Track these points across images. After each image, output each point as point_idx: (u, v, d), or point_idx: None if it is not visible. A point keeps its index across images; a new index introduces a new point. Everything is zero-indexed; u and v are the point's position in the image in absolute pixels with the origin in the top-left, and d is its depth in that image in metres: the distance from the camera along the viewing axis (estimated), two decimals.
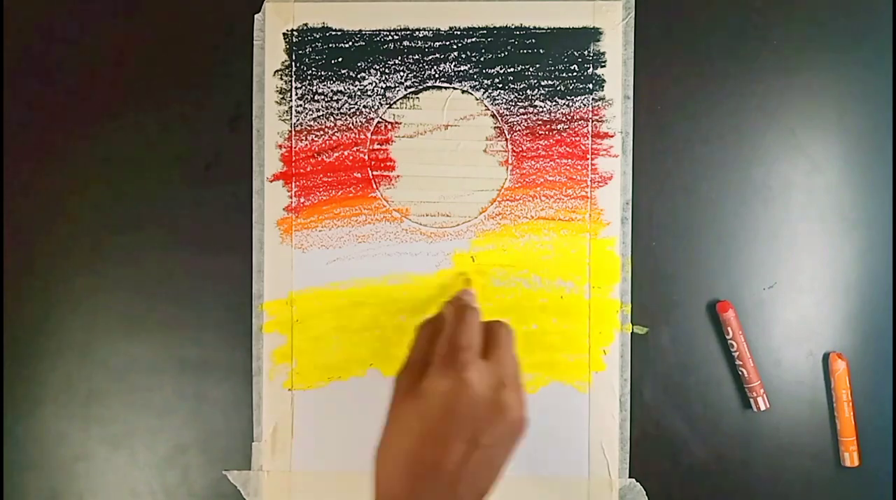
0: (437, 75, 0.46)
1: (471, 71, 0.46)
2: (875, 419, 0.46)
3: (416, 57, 0.46)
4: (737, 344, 0.45)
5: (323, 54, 0.47)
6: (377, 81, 0.47)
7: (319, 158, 0.47)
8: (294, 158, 0.47)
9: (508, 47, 0.46)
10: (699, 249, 0.46)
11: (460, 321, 0.39)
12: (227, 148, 0.47)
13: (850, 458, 0.45)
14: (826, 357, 0.46)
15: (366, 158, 0.47)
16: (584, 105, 0.46)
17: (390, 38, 0.46)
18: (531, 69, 0.46)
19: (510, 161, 0.46)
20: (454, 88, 0.46)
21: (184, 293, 0.47)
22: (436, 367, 0.38)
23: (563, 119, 0.46)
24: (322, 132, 0.47)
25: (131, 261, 0.47)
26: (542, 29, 0.46)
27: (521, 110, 0.46)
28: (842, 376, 0.45)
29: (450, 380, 0.37)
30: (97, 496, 0.48)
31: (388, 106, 0.47)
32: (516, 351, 0.40)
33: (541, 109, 0.46)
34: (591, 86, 0.46)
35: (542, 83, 0.46)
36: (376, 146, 0.47)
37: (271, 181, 0.47)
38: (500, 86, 0.46)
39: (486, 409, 0.37)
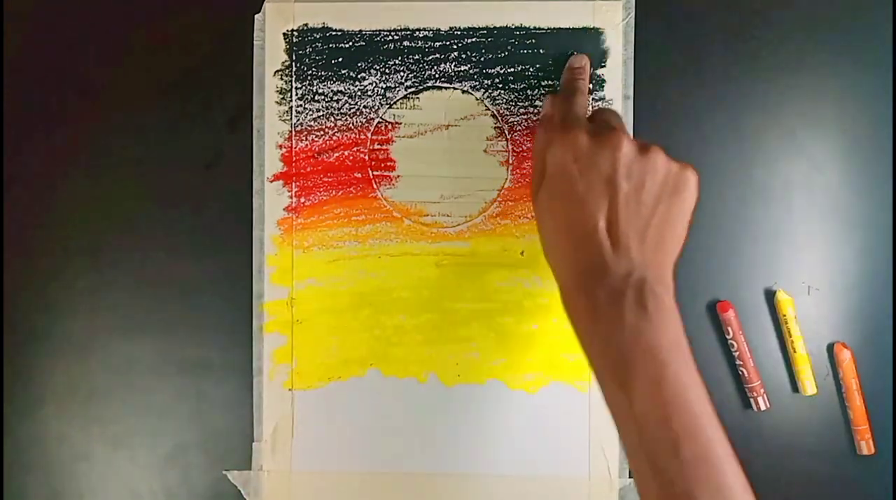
0: (437, 75, 0.46)
1: (471, 71, 0.46)
2: (880, 412, 0.46)
3: (417, 57, 0.46)
4: (737, 344, 0.45)
5: (323, 54, 0.47)
6: (377, 82, 0.47)
7: (319, 158, 0.47)
8: (294, 159, 0.47)
9: (508, 47, 0.46)
10: (699, 249, 0.46)
11: (562, 99, 0.42)
12: (227, 148, 0.47)
13: (867, 446, 0.45)
14: (830, 351, 0.46)
15: (366, 158, 0.47)
16: None
17: (390, 38, 0.46)
18: (531, 69, 0.46)
19: (510, 161, 0.46)
20: (454, 88, 0.46)
21: (184, 293, 0.47)
22: (549, 155, 0.39)
23: None
24: (322, 132, 0.47)
25: (131, 261, 0.47)
26: (542, 29, 0.46)
27: (522, 110, 0.46)
28: (849, 366, 0.45)
29: (559, 147, 0.38)
30: (97, 496, 0.48)
31: (388, 106, 0.47)
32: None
33: (541, 109, 0.46)
34: (591, 86, 0.46)
35: (542, 83, 0.46)
36: (376, 146, 0.47)
37: (271, 181, 0.47)
38: (501, 86, 0.46)
39: (604, 158, 0.37)
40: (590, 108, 0.45)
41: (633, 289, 0.35)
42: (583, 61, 0.45)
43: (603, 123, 0.40)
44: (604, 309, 0.36)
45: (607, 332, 0.36)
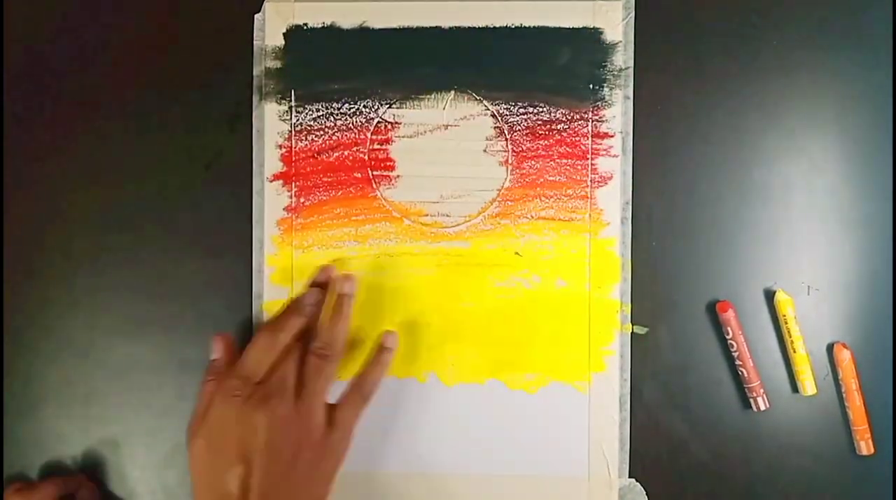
0: (437, 75, 0.46)
1: (471, 71, 0.46)
2: (879, 412, 0.46)
3: (417, 57, 0.46)
4: (737, 344, 0.45)
5: (323, 54, 0.47)
6: (377, 81, 0.47)
7: (319, 158, 0.47)
8: (294, 158, 0.47)
9: (508, 47, 0.46)
10: (699, 249, 0.46)
11: (252, 343, 0.42)
12: (227, 148, 0.47)
13: (867, 446, 0.45)
14: (830, 351, 0.46)
15: (366, 158, 0.47)
16: (584, 105, 0.46)
17: (390, 37, 0.46)
18: (531, 69, 0.46)
19: (510, 161, 0.46)
20: (454, 88, 0.46)
21: (184, 293, 0.47)
22: (213, 403, 0.40)
23: (563, 119, 0.46)
24: (322, 132, 0.47)
25: (131, 261, 0.47)
26: (542, 29, 0.46)
27: (521, 110, 0.46)
28: (848, 366, 0.45)
29: (220, 408, 0.39)
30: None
31: (388, 106, 0.47)
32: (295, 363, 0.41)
33: (541, 109, 0.46)
34: (591, 86, 0.46)
35: (542, 83, 0.46)
36: (376, 146, 0.47)
37: (271, 181, 0.47)
38: (500, 86, 0.46)
39: (251, 428, 0.38)
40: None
41: None
42: (308, 299, 0.43)
43: (273, 385, 0.40)
44: None
45: None
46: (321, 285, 0.45)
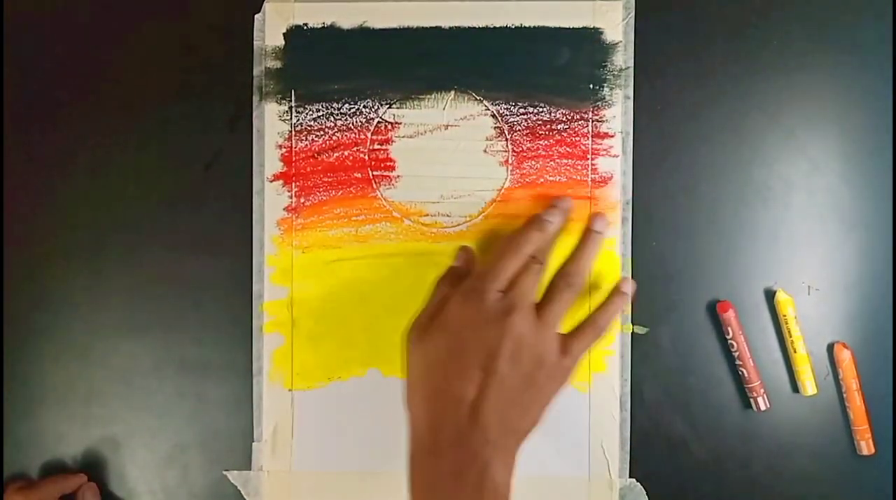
0: (437, 75, 0.46)
1: (471, 71, 0.46)
2: (879, 412, 0.46)
3: (417, 57, 0.46)
4: (737, 344, 0.45)
5: (323, 54, 0.47)
6: (377, 81, 0.47)
7: (319, 158, 0.47)
8: (294, 158, 0.47)
9: (508, 47, 0.46)
10: (699, 249, 0.46)
11: (496, 252, 0.41)
12: (227, 148, 0.47)
13: (867, 446, 0.45)
14: (830, 351, 0.46)
15: (366, 158, 0.47)
16: (585, 105, 0.46)
17: (390, 37, 0.46)
18: (531, 69, 0.46)
19: (510, 161, 0.46)
20: (454, 88, 0.46)
21: (184, 293, 0.47)
22: (450, 303, 0.39)
23: (563, 119, 0.46)
24: (322, 132, 0.47)
25: (131, 261, 0.47)
26: (542, 29, 0.46)
27: (521, 110, 0.46)
28: (849, 366, 0.45)
29: (459, 310, 0.38)
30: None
31: (388, 106, 0.47)
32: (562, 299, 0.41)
33: (541, 109, 0.46)
34: (591, 86, 0.46)
35: (542, 83, 0.46)
36: (376, 146, 0.47)
37: (271, 181, 0.47)
38: (500, 86, 0.46)
39: (495, 334, 0.37)
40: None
41: (477, 470, 0.36)
42: (550, 216, 0.43)
43: (517, 296, 0.39)
44: (445, 479, 0.37)
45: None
46: (560, 210, 0.44)
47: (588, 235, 0.44)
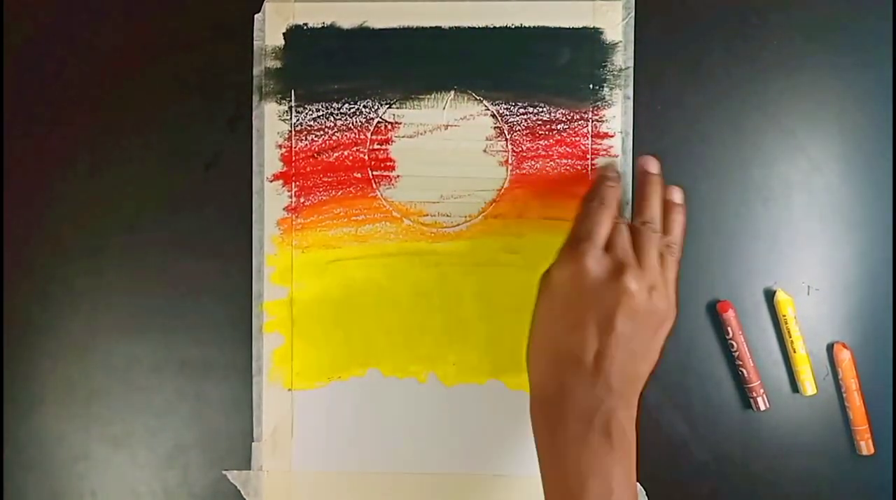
0: (437, 75, 0.46)
1: (471, 71, 0.46)
2: (879, 412, 0.46)
3: (416, 57, 0.46)
4: (737, 344, 0.45)
5: (323, 54, 0.47)
6: (377, 81, 0.47)
7: (319, 158, 0.47)
8: (294, 158, 0.47)
9: (508, 47, 0.46)
10: (699, 249, 0.46)
11: (584, 213, 0.41)
12: (227, 148, 0.47)
13: (867, 446, 0.45)
14: (830, 351, 0.46)
15: (366, 158, 0.47)
16: (584, 105, 0.46)
17: (390, 37, 0.46)
18: (531, 69, 0.46)
19: (510, 161, 0.46)
20: (454, 88, 0.46)
21: (184, 293, 0.47)
22: (559, 256, 0.40)
23: (563, 119, 0.46)
24: (322, 132, 0.47)
25: (131, 261, 0.47)
26: (542, 29, 0.46)
27: (521, 110, 0.46)
28: (848, 366, 0.45)
29: (566, 269, 0.39)
30: (97, 496, 0.48)
31: (388, 106, 0.47)
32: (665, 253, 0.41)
33: (541, 109, 0.46)
34: (591, 86, 0.46)
35: (542, 83, 0.46)
36: (376, 146, 0.47)
37: (271, 181, 0.47)
38: (500, 86, 0.46)
39: (609, 295, 0.38)
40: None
41: (603, 417, 0.37)
42: (614, 171, 0.44)
43: (620, 255, 0.39)
44: (571, 427, 0.38)
45: (569, 448, 0.38)
46: (616, 174, 0.44)
47: (673, 207, 0.43)
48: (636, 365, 0.39)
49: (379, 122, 0.47)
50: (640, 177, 0.43)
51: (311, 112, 0.47)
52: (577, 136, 0.46)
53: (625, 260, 0.39)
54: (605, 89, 0.46)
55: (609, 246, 0.40)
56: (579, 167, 0.46)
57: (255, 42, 0.47)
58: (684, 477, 0.46)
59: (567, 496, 0.37)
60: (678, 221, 0.43)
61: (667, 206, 0.43)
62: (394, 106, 0.47)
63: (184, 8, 0.47)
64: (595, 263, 0.39)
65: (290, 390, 0.47)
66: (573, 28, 0.46)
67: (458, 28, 0.46)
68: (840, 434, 0.46)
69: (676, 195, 0.43)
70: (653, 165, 0.44)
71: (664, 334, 0.40)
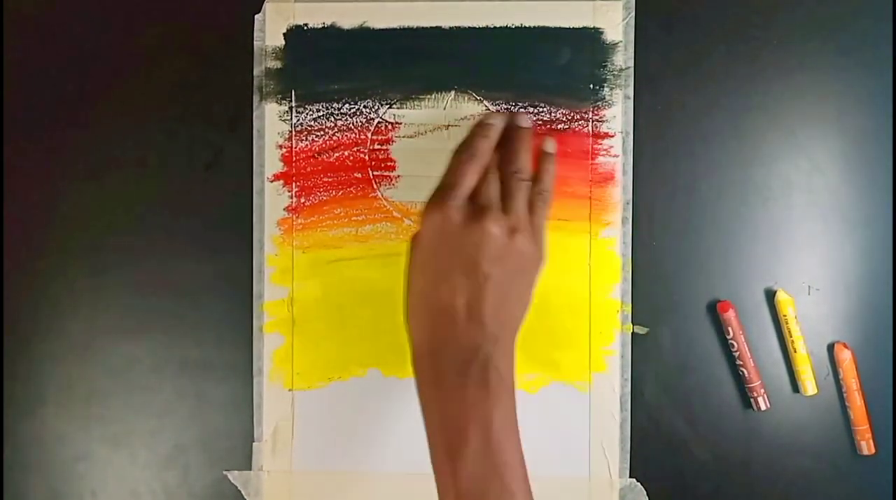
0: (436, 75, 0.46)
1: (471, 71, 0.46)
2: (880, 412, 0.46)
3: (417, 57, 0.46)
4: (737, 344, 0.45)
5: (323, 54, 0.47)
6: (377, 81, 0.47)
7: (320, 158, 0.47)
8: (294, 159, 0.47)
9: (508, 47, 0.46)
10: (699, 249, 0.46)
11: (451, 165, 0.41)
12: (227, 148, 0.47)
13: (868, 446, 0.45)
14: (830, 351, 0.46)
15: (366, 158, 0.47)
16: (585, 105, 0.46)
17: (390, 38, 0.46)
18: (531, 69, 0.46)
19: None
20: (454, 88, 0.46)
21: (184, 293, 0.47)
22: (424, 210, 0.40)
23: (563, 119, 0.46)
24: (322, 132, 0.47)
25: (131, 261, 0.47)
26: (543, 29, 0.46)
27: (521, 110, 0.46)
28: (849, 366, 0.45)
29: (430, 221, 0.39)
30: (97, 496, 0.48)
31: (388, 106, 0.47)
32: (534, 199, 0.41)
33: (541, 109, 0.46)
34: (591, 86, 0.46)
35: (543, 83, 0.46)
36: (376, 146, 0.47)
37: (271, 181, 0.47)
38: (500, 86, 0.46)
39: (471, 239, 0.38)
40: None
41: (479, 364, 0.37)
42: (492, 120, 0.42)
43: (483, 201, 0.40)
44: (449, 378, 0.38)
45: (448, 400, 0.38)
46: (491, 127, 0.43)
47: (545, 157, 0.44)
48: (509, 308, 0.39)
49: (379, 122, 0.47)
50: (510, 130, 0.43)
51: (311, 112, 0.47)
52: (578, 136, 0.46)
53: (486, 205, 0.39)
54: (606, 89, 0.46)
55: (474, 195, 0.40)
56: (579, 167, 0.46)
57: (255, 42, 0.47)
58: (684, 477, 0.46)
59: (449, 448, 0.37)
60: (549, 170, 0.43)
61: (540, 156, 0.43)
62: (394, 106, 0.47)
63: (184, 8, 0.47)
64: (456, 211, 0.39)
65: (290, 390, 0.47)
66: (573, 28, 0.46)
67: (458, 28, 0.46)
68: (841, 434, 0.46)
69: (549, 145, 0.44)
70: (524, 120, 0.43)
71: (534, 277, 0.40)
